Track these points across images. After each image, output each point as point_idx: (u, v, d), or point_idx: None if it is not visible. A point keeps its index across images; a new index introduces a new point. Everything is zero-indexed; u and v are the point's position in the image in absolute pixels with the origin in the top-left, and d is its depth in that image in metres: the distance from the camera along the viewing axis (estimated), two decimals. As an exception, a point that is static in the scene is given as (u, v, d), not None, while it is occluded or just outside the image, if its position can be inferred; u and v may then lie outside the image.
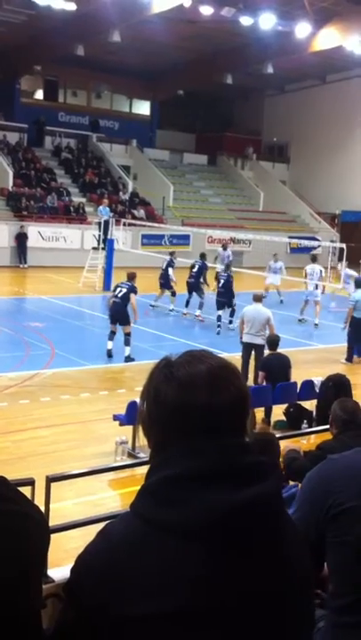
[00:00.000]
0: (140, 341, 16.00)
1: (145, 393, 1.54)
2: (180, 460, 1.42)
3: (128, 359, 14.05)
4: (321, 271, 19.90)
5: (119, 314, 14.24)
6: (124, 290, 14.30)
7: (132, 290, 14.27)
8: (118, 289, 14.49)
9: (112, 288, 16.43)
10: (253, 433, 8.30)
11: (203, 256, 20.43)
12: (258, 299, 12.93)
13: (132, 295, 14.17)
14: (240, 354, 12.62)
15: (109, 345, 14.36)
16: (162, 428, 1.49)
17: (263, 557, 1.42)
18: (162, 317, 19.53)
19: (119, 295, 14.28)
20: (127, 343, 14.12)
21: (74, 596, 1.46)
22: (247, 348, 12.49)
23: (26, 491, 4.14)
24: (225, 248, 23.54)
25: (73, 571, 1.48)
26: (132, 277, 14.63)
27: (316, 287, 19.54)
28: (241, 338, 12.70)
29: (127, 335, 14.15)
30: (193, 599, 1.35)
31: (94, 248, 25.38)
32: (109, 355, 14.33)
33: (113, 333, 14.36)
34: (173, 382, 1.48)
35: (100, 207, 26.50)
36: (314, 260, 20.50)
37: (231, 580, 1.38)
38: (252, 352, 12.45)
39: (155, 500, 1.42)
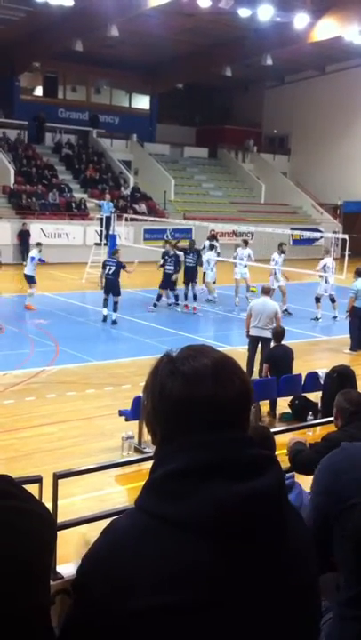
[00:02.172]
0: (142, 336, 16.04)
1: (149, 388, 1.54)
2: (184, 454, 1.43)
3: (114, 322, 17.10)
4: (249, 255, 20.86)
5: (113, 287, 17.16)
6: (114, 267, 17.21)
7: (121, 266, 17.24)
8: (108, 267, 17.37)
9: (102, 264, 18.64)
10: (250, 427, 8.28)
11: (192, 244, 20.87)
12: (266, 292, 12.86)
13: (123, 271, 17.23)
14: (243, 347, 12.61)
15: (105, 311, 17.36)
16: (167, 422, 1.50)
17: (267, 550, 1.42)
18: (163, 312, 19.52)
19: (110, 272, 17.22)
20: (115, 310, 17.21)
21: (81, 592, 1.48)
22: (254, 341, 12.42)
23: (33, 488, 4.15)
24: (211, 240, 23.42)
25: (80, 566, 1.50)
26: (116, 252, 17.99)
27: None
28: (247, 331, 12.62)
29: (116, 304, 17.21)
30: (197, 593, 1.36)
31: (96, 244, 25.36)
32: (105, 320, 17.26)
33: (106, 300, 17.34)
34: (178, 377, 1.48)
35: (103, 201, 26.42)
36: (279, 247, 20.60)
37: (235, 573, 1.39)
38: (259, 345, 12.39)
39: (159, 494, 1.43)
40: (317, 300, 18.96)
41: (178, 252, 19.83)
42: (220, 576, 1.38)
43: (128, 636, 1.38)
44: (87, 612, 1.45)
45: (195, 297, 19.59)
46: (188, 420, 1.47)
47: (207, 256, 21.12)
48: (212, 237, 23.57)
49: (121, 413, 9.42)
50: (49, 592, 1.55)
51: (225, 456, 1.43)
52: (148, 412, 1.54)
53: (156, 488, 1.45)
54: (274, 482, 1.46)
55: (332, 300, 18.87)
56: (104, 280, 17.56)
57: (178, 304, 19.66)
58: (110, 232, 24.10)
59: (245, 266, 21.16)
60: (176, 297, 19.70)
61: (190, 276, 19.63)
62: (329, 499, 2.27)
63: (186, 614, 1.36)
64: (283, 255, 20.30)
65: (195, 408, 1.46)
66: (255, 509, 1.40)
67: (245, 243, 22.15)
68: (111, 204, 26.06)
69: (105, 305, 17.43)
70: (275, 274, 19.74)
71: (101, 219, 25.12)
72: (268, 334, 12.16)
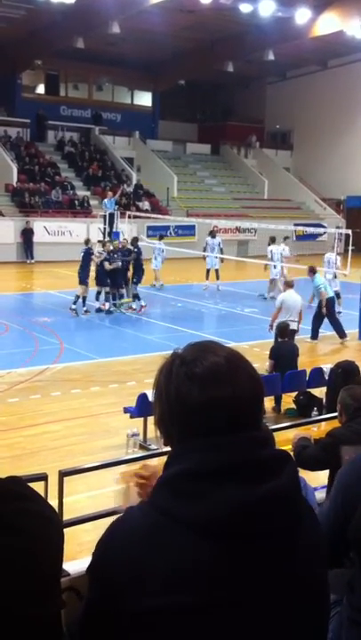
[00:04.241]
0: (146, 333, 16.06)
1: (162, 392, 1.51)
2: (199, 454, 1.42)
3: (108, 312, 18.01)
4: (282, 252, 21.12)
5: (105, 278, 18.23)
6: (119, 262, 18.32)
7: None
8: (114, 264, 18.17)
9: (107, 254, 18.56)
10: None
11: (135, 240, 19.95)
12: (291, 285, 12.86)
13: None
14: (247, 343, 12.59)
15: (107, 305, 18.09)
16: (182, 424, 1.48)
17: (279, 550, 1.42)
18: (166, 308, 19.53)
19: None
20: (107, 300, 18.29)
21: (95, 579, 1.48)
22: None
23: (39, 486, 4.16)
24: (213, 236, 23.42)
25: (94, 554, 1.49)
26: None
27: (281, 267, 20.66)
28: (271, 325, 12.50)
29: (107, 294, 18.35)
30: (205, 594, 1.36)
31: (100, 241, 25.35)
32: (99, 310, 18.06)
33: (99, 293, 18.32)
34: (196, 380, 1.46)
35: (105, 200, 26.44)
36: (273, 241, 21.64)
37: (246, 574, 1.39)
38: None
39: (173, 493, 1.42)
40: (338, 296, 18.98)
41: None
42: (230, 577, 1.37)
43: (133, 635, 1.38)
44: (96, 606, 1.45)
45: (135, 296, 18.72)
46: (205, 421, 1.45)
47: (155, 245, 21.94)
48: (211, 233, 23.62)
49: (126, 410, 9.41)
50: (60, 595, 1.55)
51: (240, 457, 1.42)
52: (162, 414, 1.52)
53: (169, 486, 1.44)
54: (289, 482, 1.45)
55: (338, 296, 18.83)
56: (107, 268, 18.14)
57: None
58: (114, 229, 24.10)
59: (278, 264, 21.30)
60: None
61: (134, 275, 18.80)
62: (347, 496, 2.27)
63: (193, 615, 1.35)
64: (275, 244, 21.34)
65: (213, 409, 1.44)
66: (270, 511, 1.40)
67: (284, 239, 22.27)
68: (113, 200, 26.00)
69: (98, 298, 18.25)
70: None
71: (105, 216, 25.12)
72: (295, 327, 12.25)
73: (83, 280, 17.86)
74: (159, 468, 1.54)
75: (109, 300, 18.21)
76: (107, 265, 18.08)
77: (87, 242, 18.70)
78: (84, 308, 17.80)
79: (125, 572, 1.39)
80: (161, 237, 24.08)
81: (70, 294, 19.38)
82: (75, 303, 17.74)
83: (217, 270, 22.58)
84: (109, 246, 18.77)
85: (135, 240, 19.60)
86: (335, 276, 19.03)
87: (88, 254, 18.05)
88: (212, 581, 1.37)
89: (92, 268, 18.18)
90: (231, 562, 1.37)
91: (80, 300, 17.82)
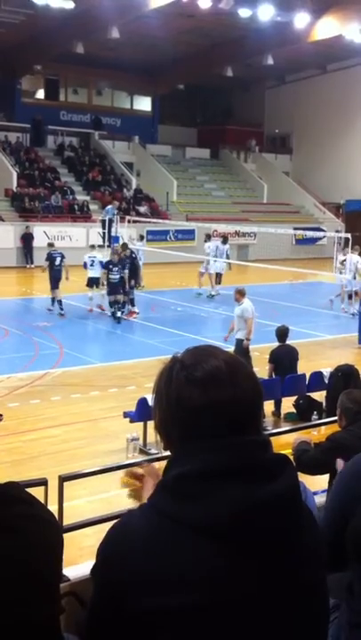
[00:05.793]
0: (145, 337, 16.05)
1: (163, 397, 1.51)
2: (201, 456, 1.43)
3: (116, 317, 17.90)
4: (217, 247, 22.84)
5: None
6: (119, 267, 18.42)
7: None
8: (115, 268, 18.12)
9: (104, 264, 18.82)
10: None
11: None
12: (244, 294, 12.48)
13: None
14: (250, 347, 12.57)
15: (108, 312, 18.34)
16: (183, 428, 1.48)
17: (280, 552, 1.43)
18: (166, 313, 19.53)
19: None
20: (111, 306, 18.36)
21: (97, 581, 1.49)
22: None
23: (39, 491, 4.16)
24: (224, 242, 23.48)
25: (96, 557, 1.50)
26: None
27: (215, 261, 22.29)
28: (249, 337, 12.28)
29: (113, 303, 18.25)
30: (205, 594, 1.36)
31: (100, 246, 25.36)
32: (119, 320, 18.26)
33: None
34: (196, 383, 1.47)
35: (109, 207, 26.39)
36: (209, 238, 23.83)
37: (248, 574, 1.39)
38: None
39: (173, 495, 1.43)
40: (350, 296, 19.26)
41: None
42: (230, 578, 1.38)
43: (135, 635, 1.39)
44: (100, 608, 1.46)
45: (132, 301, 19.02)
46: (205, 424, 1.45)
47: (137, 247, 22.24)
48: (223, 239, 23.75)
49: (126, 415, 9.43)
50: (59, 599, 1.54)
51: (241, 460, 1.42)
52: (162, 419, 1.52)
53: (170, 488, 1.44)
54: (288, 485, 1.45)
55: (350, 297, 19.17)
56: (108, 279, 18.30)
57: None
58: (113, 234, 24.11)
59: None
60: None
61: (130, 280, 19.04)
62: (346, 498, 2.27)
63: (193, 615, 1.36)
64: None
65: (213, 412, 1.45)
66: (270, 513, 1.40)
67: (352, 247, 22.15)
68: (112, 207, 25.93)
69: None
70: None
71: (103, 221, 25.14)
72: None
73: (57, 284, 18.53)
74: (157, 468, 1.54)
75: (112, 306, 18.08)
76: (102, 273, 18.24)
77: (52, 245, 19.95)
78: (62, 311, 18.27)
79: (127, 573, 1.40)
80: (141, 238, 24.79)
81: (70, 298, 19.42)
82: (61, 308, 18.22)
83: (220, 275, 22.64)
84: (121, 254, 18.74)
85: (125, 246, 19.66)
86: (355, 277, 19.28)
87: (62, 258, 18.70)
88: (212, 582, 1.37)
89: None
90: (231, 563, 1.38)
91: (56, 302, 18.45)
